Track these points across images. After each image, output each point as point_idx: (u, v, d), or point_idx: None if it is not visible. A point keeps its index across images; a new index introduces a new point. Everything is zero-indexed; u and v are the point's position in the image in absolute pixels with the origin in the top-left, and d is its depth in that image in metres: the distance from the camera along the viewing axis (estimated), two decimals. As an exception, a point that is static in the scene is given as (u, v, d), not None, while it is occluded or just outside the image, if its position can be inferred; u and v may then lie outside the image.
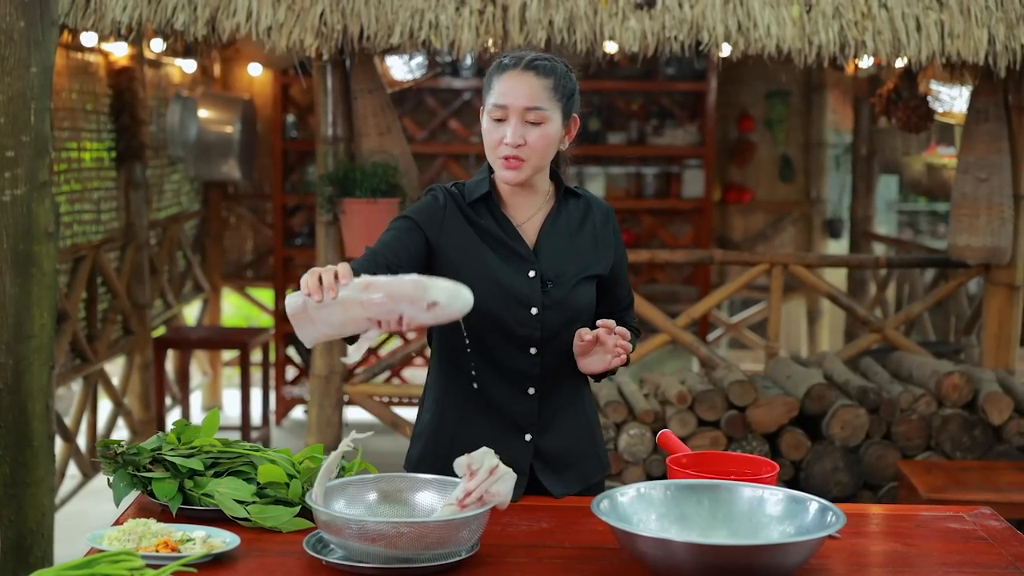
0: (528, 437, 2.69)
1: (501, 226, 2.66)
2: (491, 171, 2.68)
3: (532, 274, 2.64)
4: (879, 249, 8.44)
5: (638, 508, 2.27)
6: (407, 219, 2.66)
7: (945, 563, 2.27)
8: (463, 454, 2.29)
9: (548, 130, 2.58)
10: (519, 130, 2.56)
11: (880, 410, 5.05)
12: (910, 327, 6.88)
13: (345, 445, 2.29)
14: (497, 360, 2.66)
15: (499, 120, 2.58)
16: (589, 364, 2.64)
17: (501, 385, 2.67)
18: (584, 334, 2.59)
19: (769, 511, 2.27)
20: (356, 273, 2.29)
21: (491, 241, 2.65)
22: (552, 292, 2.64)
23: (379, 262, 2.52)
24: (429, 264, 2.64)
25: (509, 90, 2.57)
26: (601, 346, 2.60)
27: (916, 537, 2.43)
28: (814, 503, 2.23)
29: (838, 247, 9.05)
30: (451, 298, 2.23)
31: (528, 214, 2.69)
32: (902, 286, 7.95)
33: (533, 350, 2.65)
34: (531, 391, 2.68)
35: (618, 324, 2.76)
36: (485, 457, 2.24)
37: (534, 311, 2.63)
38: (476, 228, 2.65)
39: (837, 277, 8.37)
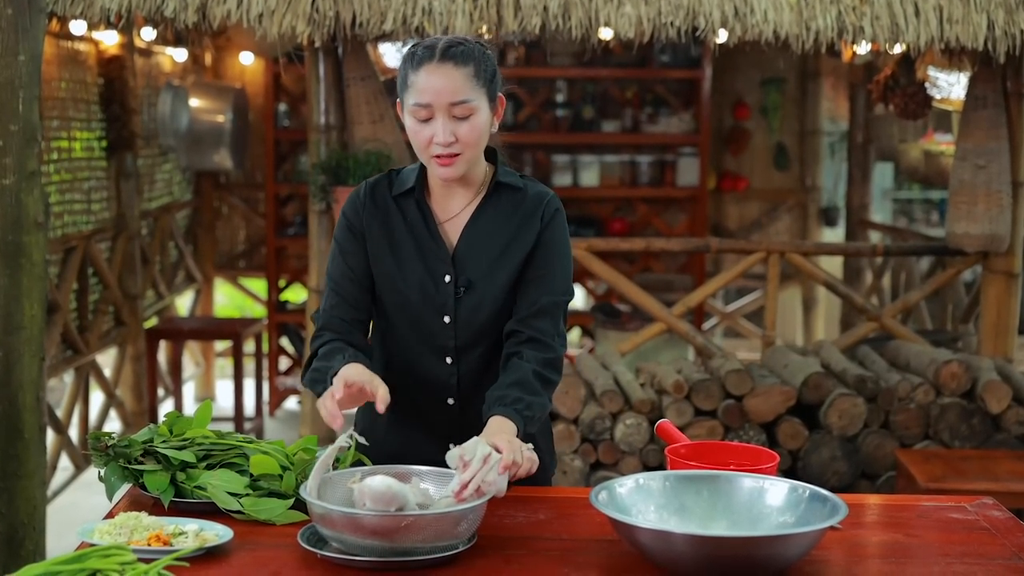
0: (451, 447, 2.54)
1: (426, 223, 2.54)
2: None
3: (448, 279, 2.52)
4: (874, 237, 8.43)
5: (637, 499, 2.24)
6: (348, 233, 2.56)
7: (947, 554, 2.24)
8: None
9: (477, 121, 2.43)
10: (448, 127, 2.40)
11: (878, 399, 5.02)
12: (907, 316, 6.86)
13: (342, 440, 2.26)
14: (415, 367, 2.56)
15: (424, 120, 2.42)
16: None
17: (420, 394, 2.58)
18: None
19: (769, 502, 2.24)
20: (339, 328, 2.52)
21: (415, 239, 2.53)
22: (465, 300, 2.52)
23: (358, 308, 2.55)
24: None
25: (429, 87, 2.39)
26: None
27: (917, 528, 2.40)
28: (815, 494, 2.20)
29: (833, 235, 9.04)
30: None
31: (456, 208, 2.56)
32: (898, 274, 7.93)
33: (448, 359, 2.55)
34: (450, 401, 2.58)
35: (518, 335, 2.54)
36: (477, 447, 2.21)
37: (447, 319, 2.52)
38: (400, 224, 2.54)
39: (833, 265, 8.35)
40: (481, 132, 2.45)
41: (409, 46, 2.49)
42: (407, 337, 2.56)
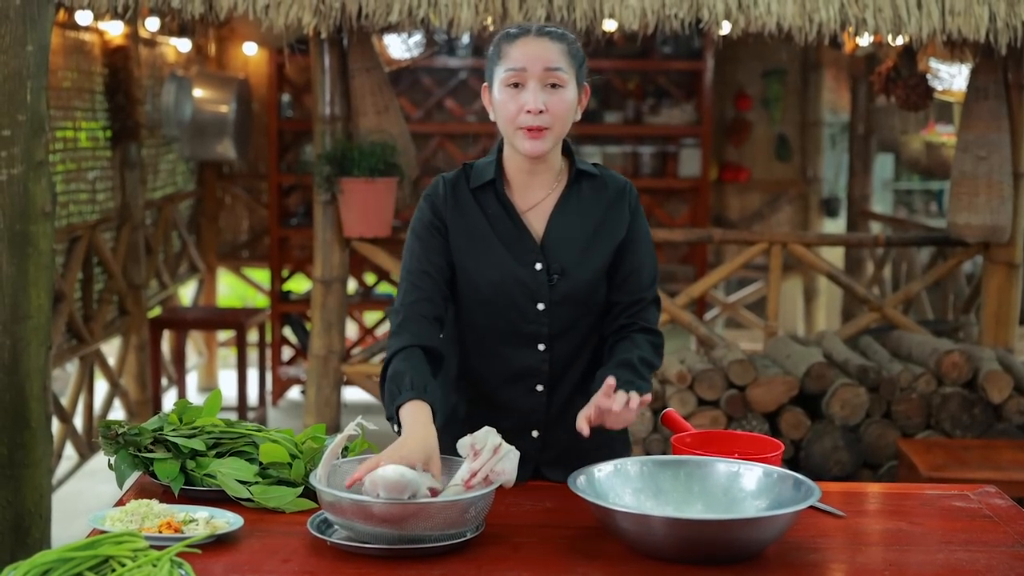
0: (535, 434, 2.61)
1: (508, 213, 2.56)
2: (499, 152, 2.58)
3: (539, 267, 2.54)
4: (876, 228, 8.44)
5: (615, 483, 2.28)
6: (430, 228, 2.55)
7: (950, 542, 2.26)
8: None
9: (567, 95, 2.49)
10: (540, 95, 2.45)
11: (880, 389, 5.04)
12: (908, 306, 6.88)
13: (351, 429, 2.27)
14: (503, 357, 2.57)
15: (516, 86, 2.46)
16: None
17: (507, 383, 2.59)
18: (583, 424, 2.35)
19: (744, 486, 2.28)
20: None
21: (498, 230, 2.55)
22: (560, 286, 2.54)
23: (436, 304, 2.51)
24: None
25: (526, 55, 2.46)
26: (609, 414, 2.35)
27: (920, 516, 2.42)
28: (788, 477, 2.24)
29: (834, 226, 9.04)
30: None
31: (537, 198, 2.58)
32: (899, 265, 7.94)
33: (541, 347, 2.57)
34: (539, 388, 2.59)
35: (630, 326, 2.60)
36: (488, 436, 2.23)
37: (541, 307, 2.54)
38: (481, 218, 2.55)
39: (834, 256, 8.36)
40: (568, 107, 2.50)
41: (502, 30, 2.57)
42: (495, 328, 2.57)
